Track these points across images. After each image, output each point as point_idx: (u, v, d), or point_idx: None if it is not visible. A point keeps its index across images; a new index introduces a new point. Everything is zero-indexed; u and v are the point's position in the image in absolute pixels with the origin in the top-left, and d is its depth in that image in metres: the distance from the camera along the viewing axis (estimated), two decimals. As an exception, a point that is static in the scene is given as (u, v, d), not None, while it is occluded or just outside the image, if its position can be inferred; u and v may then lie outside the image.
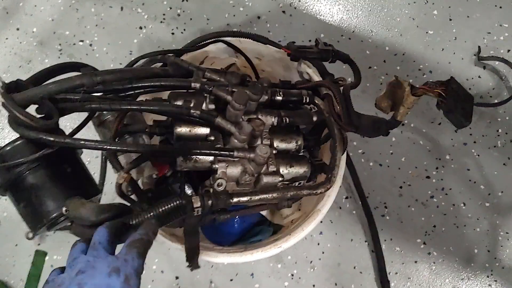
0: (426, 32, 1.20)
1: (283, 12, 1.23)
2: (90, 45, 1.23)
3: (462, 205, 1.09)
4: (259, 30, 1.21)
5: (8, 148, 0.62)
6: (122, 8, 1.25)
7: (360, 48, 1.19)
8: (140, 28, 1.23)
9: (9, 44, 1.25)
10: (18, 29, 1.26)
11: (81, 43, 1.24)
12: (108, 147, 0.58)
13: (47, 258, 1.12)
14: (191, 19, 1.23)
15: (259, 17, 1.22)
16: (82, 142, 0.58)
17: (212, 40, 0.76)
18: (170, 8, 1.24)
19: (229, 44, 0.78)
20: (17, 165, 0.61)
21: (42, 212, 0.61)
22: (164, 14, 1.24)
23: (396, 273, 1.06)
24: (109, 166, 0.71)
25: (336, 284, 1.06)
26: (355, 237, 1.08)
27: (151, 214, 0.57)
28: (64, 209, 0.60)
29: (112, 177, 0.68)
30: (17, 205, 0.64)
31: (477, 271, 1.05)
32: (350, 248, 1.08)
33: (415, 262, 1.06)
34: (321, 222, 1.08)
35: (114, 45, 1.23)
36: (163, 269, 1.09)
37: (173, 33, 1.22)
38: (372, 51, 1.19)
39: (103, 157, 0.75)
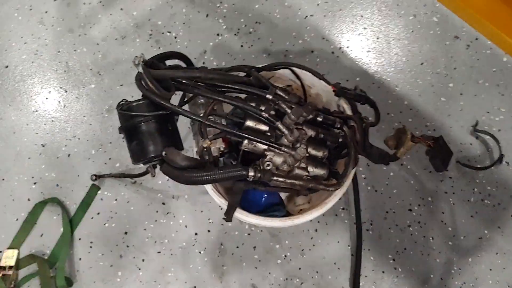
0: (440, 99, 1.48)
1: (332, 52, 1.52)
2: (175, 37, 1.53)
3: (430, 238, 1.36)
4: (310, 61, 1.50)
5: (135, 104, 0.91)
6: (207, 15, 1.55)
7: (385, 96, 1.48)
8: (217, 34, 1.53)
9: (111, 19, 1.56)
10: (121, 9, 1.56)
11: (168, 33, 1.54)
12: (204, 121, 0.87)
13: (99, 192, 1.41)
14: (259, 38, 1.53)
15: (312, 51, 1.52)
16: (188, 113, 0.87)
17: (284, 67, 1.05)
18: (245, 25, 1.54)
19: (293, 72, 1.07)
20: (139, 116, 0.90)
21: (147, 151, 0.90)
22: (239, 29, 1.54)
23: (366, 276, 1.33)
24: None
25: (317, 272, 1.33)
26: (342, 240, 1.35)
27: (221, 171, 0.86)
28: (164, 152, 0.89)
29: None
30: (129, 142, 0.93)
31: (429, 292, 1.33)
32: (336, 248, 1.35)
33: (383, 272, 1.33)
34: (318, 222, 1.37)
35: (193, 42, 1.53)
36: (187, 224, 1.37)
37: (242, 46, 1.52)
38: (393, 102, 1.47)
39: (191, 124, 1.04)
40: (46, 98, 1.49)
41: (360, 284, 1.31)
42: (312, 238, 1.36)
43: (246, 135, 0.88)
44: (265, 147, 0.91)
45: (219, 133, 0.91)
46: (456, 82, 1.50)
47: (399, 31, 1.56)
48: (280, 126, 0.89)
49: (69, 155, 1.43)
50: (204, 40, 1.52)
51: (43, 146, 1.44)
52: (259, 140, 0.89)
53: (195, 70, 0.90)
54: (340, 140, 0.98)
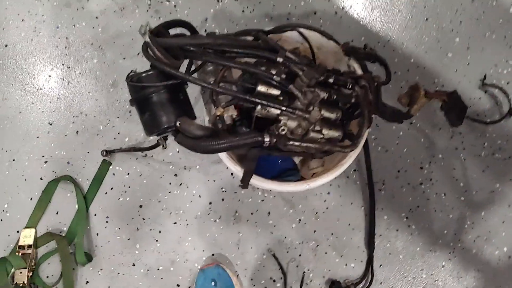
0: (446, 54, 1.46)
1: (335, 13, 1.49)
2: (174, 6, 1.50)
3: (443, 195, 1.37)
4: (313, 23, 1.47)
5: (144, 75, 0.90)
6: (206, -19, 1.52)
7: (391, 55, 1.46)
8: (218, 0, 1.50)
9: (109, -9, 1.53)
10: (118, -20, 1.53)
11: (167, 3, 1.50)
12: (216, 88, 0.86)
13: (110, 167, 1.41)
14: (260, 2, 1.49)
15: (315, 13, 1.49)
16: (199, 81, 0.86)
17: (291, 28, 1.03)
18: (246, -11, 1.51)
19: (301, 34, 1.05)
20: (149, 87, 0.89)
21: (160, 122, 0.89)
22: (239, -7, 1.51)
23: (380, 235, 1.35)
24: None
25: (332, 234, 1.35)
26: (355, 201, 1.37)
27: (237, 138, 0.85)
28: (178, 123, 0.88)
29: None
30: (142, 114, 0.92)
31: (443, 246, 1.34)
32: (349, 209, 1.36)
33: (397, 230, 1.35)
34: (331, 185, 1.37)
35: (194, 10, 1.49)
36: (201, 194, 1.38)
37: (243, 11, 1.49)
38: (399, 60, 1.46)
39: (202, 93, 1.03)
40: (49, 76, 1.47)
41: (375, 243, 1.33)
42: (325, 201, 1.37)
43: (259, 101, 0.87)
44: (279, 111, 0.91)
45: (232, 100, 0.90)
46: (462, 37, 1.48)
47: (403, -14, 1.52)
48: (293, 89, 0.88)
49: (77, 132, 1.42)
50: (204, 8, 1.49)
51: (51, 124, 1.43)
52: (272, 105, 0.88)
53: (204, 36, 0.88)
54: (353, 100, 0.97)
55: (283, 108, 0.89)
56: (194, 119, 0.93)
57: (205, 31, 1.48)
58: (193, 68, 0.99)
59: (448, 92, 0.92)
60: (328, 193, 1.37)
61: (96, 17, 1.51)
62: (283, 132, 0.90)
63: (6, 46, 1.49)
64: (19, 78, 1.47)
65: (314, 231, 1.35)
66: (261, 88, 0.91)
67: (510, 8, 1.49)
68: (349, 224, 1.35)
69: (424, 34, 1.48)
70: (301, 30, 1.05)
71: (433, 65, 1.45)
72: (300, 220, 1.36)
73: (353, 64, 1.04)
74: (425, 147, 1.39)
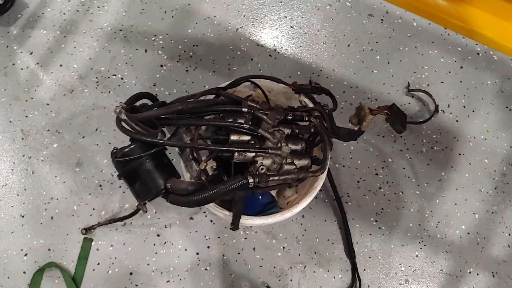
0: (372, 71, 1.67)
1: (270, 55, 1.65)
2: (122, 78, 1.59)
3: (400, 193, 1.54)
4: (253, 68, 1.63)
5: (127, 149, 0.98)
6: (146, 50, 1.62)
7: (326, 82, 1.64)
8: (161, 65, 1.61)
9: (54, 77, 1.58)
10: (61, 65, 1.59)
11: (114, 77, 1.59)
12: (197, 146, 0.96)
13: (93, 243, 1.44)
14: (200, 60, 1.62)
15: (252, 59, 1.64)
16: (180, 143, 0.96)
17: (245, 80, 1.17)
18: (184, 51, 1.63)
19: (254, 83, 1.19)
20: (135, 159, 0.97)
21: (152, 188, 0.97)
22: (179, 55, 1.63)
23: (357, 242, 1.48)
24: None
25: (315, 253, 1.46)
26: (328, 218, 1.49)
27: (225, 185, 0.95)
28: (168, 184, 0.96)
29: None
30: (132, 185, 0.99)
31: (412, 238, 1.49)
32: (324, 226, 1.49)
33: (370, 234, 1.49)
34: (303, 208, 1.49)
35: (141, 78, 1.59)
36: (186, 248, 1.44)
37: (187, 70, 1.61)
38: (335, 85, 1.63)
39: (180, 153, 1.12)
40: (12, 170, 1.48)
41: (355, 250, 1.46)
42: (301, 224, 1.48)
43: (237, 149, 0.98)
44: (254, 154, 1.02)
45: (211, 154, 1.00)
46: (381, 54, 1.69)
47: (322, 21, 1.72)
48: (263, 132, 1.00)
49: (52, 217, 1.44)
50: (150, 74, 1.59)
51: (23, 216, 1.44)
52: (248, 149, 0.99)
53: (176, 104, 0.99)
54: (312, 130, 1.11)
55: (259, 150, 1.00)
56: (179, 178, 1.02)
57: (156, 95, 1.57)
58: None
59: (389, 106, 1.08)
60: (303, 216, 1.49)
61: (48, 104, 1.55)
62: (262, 171, 1.01)
63: (-41, 150, 1.49)
64: (-19, 179, 1.47)
65: (299, 254, 1.45)
66: (234, 137, 1.02)
67: (413, 22, 1.73)
68: (328, 240, 1.47)
69: (350, 58, 1.68)
70: (253, 80, 1.18)
71: (363, 83, 1.65)
72: (283, 247, 1.46)
73: (304, 99, 1.18)
74: (375, 155, 1.56)
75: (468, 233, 1.51)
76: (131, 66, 1.60)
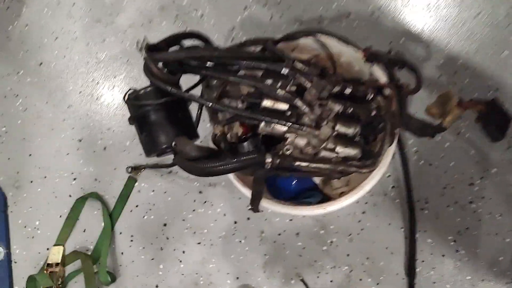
0: (501, 53, 1.28)
1: (372, 13, 1.36)
2: (201, 16, 1.45)
3: (497, 215, 1.19)
4: (347, 26, 1.35)
5: (142, 92, 0.84)
6: (233, -12, 1.45)
7: (435, 56, 1.30)
8: (245, 8, 1.42)
9: (136, 5, 1.50)
10: (146, -8, 1.51)
11: (194, 12, 1.45)
12: (213, 105, 0.79)
13: (136, 184, 1.38)
14: (289, 7, 1.40)
15: (349, 15, 1.37)
16: (196, 97, 0.79)
17: (305, 34, 0.93)
18: (274, -6, 1.42)
19: (318, 40, 0.95)
20: (146, 104, 0.83)
21: (157, 142, 0.83)
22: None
23: (423, 261, 1.20)
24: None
25: (367, 258, 1.22)
26: (393, 222, 1.23)
27: (234, 160, 0.77)
28: (173, 143, 0.81)
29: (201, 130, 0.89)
30: (140, 133, 0.86)
31: (498, 275, 1.16)
32: (387, 231, 1.23)
33: (443, 255, 1.19)
34: (366, 203, 1.25)
35: (221, 19, 1.43)
36: (226, 213, 1.31)
37: (271, 17, 1.40)
38: (445, 61, 1.29)
39: (199, 111, 0.97)
40: (80, 92, 1.47)
41: (417, 269, 1.18)
42: (359, 221, 1.24)
43: (261, 117, 0.78)
44: (285, 128, 0.81)
45: (231, 117, 0.82)
46: (521, 32, 1.29)
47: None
48: (299, 103, 0.79)
49: (105, 148, 1.41)
50: (231, 16, 1.42)
51: (80, 141, 1.43)
52: (276, 120, 0.79)
53: (199, 48, 0.81)
54: (373, 113, 0.85)
55: (288, 123, 0.79)
56: (197, 138, 0.86)
57: (232, 39, 1.41)
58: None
59: (487, 101, 0.78)
60: (363, 212, 1.24)
61: (125, 31, 1.49)
62: (288, 152, 0.80)
63: (41, 64, 1.52)
64: (52, 96, 1.48)
65: (348, 255, 1.23)
66: (266, 103, 0.82)
67: None
68: (386, 248, 1.21)
69: (475, 30, 1.30)
70: (318, 36, 0.94)
71: (485, 66, 1.27)
72: (331, 242, 1.24)
73: (376, 71, 0.92)
74: (475, 161, 1.22)
75: None
76: (214, 3, 1.44)
